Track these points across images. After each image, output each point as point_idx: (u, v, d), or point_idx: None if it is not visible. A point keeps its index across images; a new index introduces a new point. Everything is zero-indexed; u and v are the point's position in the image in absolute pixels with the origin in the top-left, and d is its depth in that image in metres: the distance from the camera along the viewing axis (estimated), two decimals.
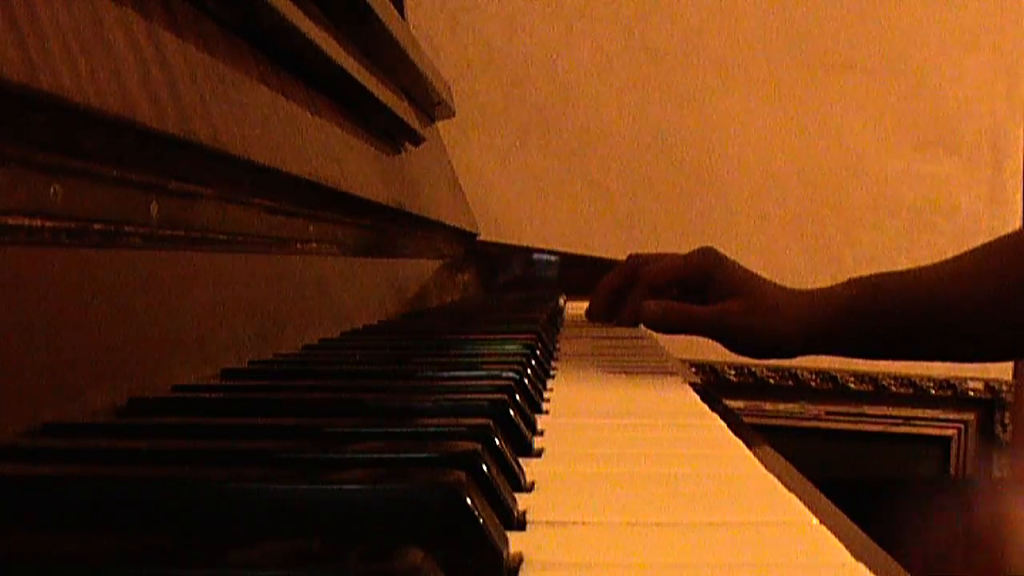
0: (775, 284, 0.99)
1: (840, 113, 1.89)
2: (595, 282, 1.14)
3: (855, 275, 0.97)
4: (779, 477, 0.36)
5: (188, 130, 0.47)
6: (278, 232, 0.66)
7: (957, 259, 0.92)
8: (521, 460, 0.36)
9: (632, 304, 0.99)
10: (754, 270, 1.04)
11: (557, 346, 0.82)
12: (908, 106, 1.89)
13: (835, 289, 0.96)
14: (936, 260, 0.94)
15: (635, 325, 1.02)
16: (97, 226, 0.41)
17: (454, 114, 1.50)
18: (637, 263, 1.03)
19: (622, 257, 1.10)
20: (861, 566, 0.26)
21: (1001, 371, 1.85)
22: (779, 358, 0.93)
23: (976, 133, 1.89)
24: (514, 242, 1.64)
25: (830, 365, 1.84)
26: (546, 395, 0.54)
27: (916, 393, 1.85)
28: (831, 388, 1.85)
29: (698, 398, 0.55)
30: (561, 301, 1.28)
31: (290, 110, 0.67)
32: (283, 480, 0.26)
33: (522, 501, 0.31)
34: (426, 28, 1.80)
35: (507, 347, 0.66)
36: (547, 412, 0.49)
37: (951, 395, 1.85)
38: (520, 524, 0.29)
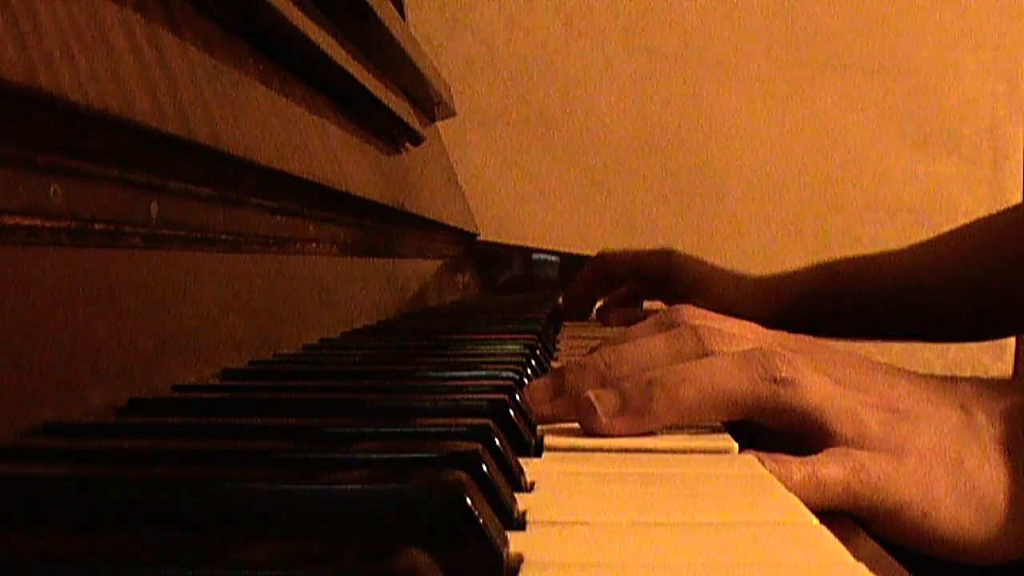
0: (735, 276, 1.01)
1: (840, 113, 1.89)
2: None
3: None
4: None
5: (188, 130, 0.47)
6: (278, 232, 0.66)
7: (932, 242, 0.94)
8: (521, 460, 0.36)
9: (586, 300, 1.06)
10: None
11: (557, 346, 0.82)
12: (908, 106, 1.89)
13: (799, 274, 0.98)
14: None
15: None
16: (97, 226, 0.41)
17: (454, 114, 1.50)
18: (600, 265, 1.08)
19: None
20: (861, 566, 0.26)
21: (1001, 370, 1.85)
22: None
23: (976, 133, 1.89)
24: (514, 242, 1.64)
25: None
26: None
27: None
28: None
29: None
30: (561, 301, 1.28)
31: (290, 110, 0.67)
32: (283, 480, 0.26)
33: (522, 501, 0.31)
34: (426, 28, 1.80)
35: (507, 347, 0.66)
36: None
37: None
38: (520, 524, 0.29)
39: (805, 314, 0.96)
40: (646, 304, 1.12)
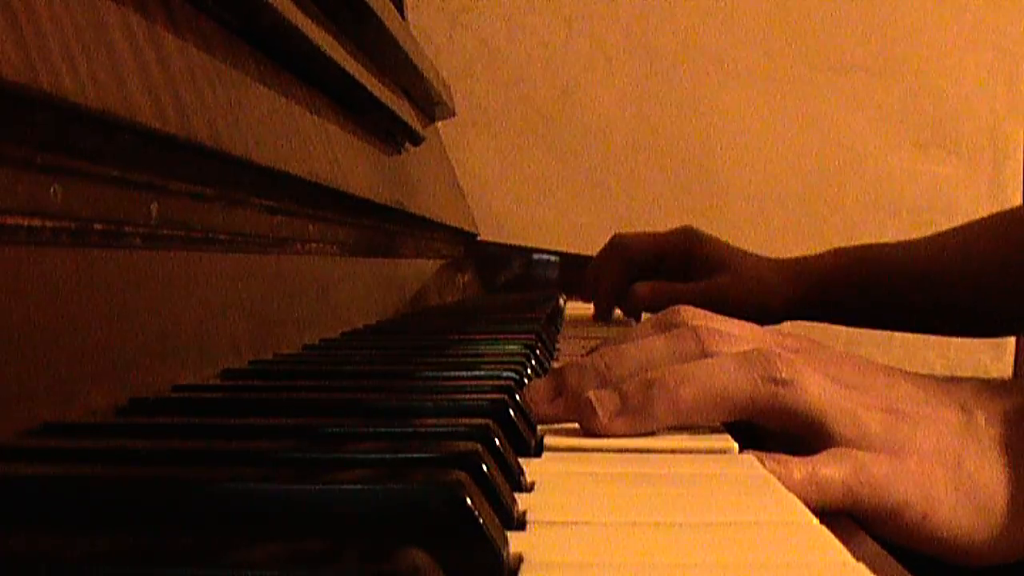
0: (756, 256, 1.03)
1: (840, 113, 1.89)
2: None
3: None
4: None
5: (188, 130, 0.47)
6: (278, 232, 0.66)
7: (943, 235, 0.95)
8: (521, 460, 0.36)
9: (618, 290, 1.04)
10: None
11: (557, 346, 0.82)
12: (908, 106, 1.89)
13: (820, 257, 1.00)
14: None
15: (637, 315, 1.04)
16: (97, 226, 0.41)
17: (454, 114, 1.50)
18: (619, 247, 1.07)
19: None
20: (861, 566, 0.26)
21: (1001, 370, 1.85)
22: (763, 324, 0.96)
23: (976, 133, 1.89)
24: (514, 242, 1.64)
25: None
26: None
27: None
28: None
29: None
30: (561, 301, 1.28)
31: (290, 110, 0.67)
32: (283, 480, 0.25)
33: (522, 501, 0.31)
34: (426, 28, 1.80)
35: (507, 347, 0.66)
36: None
37: None
38: (520, 524, 0.29)
39: (824, 297, 0.98)
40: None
